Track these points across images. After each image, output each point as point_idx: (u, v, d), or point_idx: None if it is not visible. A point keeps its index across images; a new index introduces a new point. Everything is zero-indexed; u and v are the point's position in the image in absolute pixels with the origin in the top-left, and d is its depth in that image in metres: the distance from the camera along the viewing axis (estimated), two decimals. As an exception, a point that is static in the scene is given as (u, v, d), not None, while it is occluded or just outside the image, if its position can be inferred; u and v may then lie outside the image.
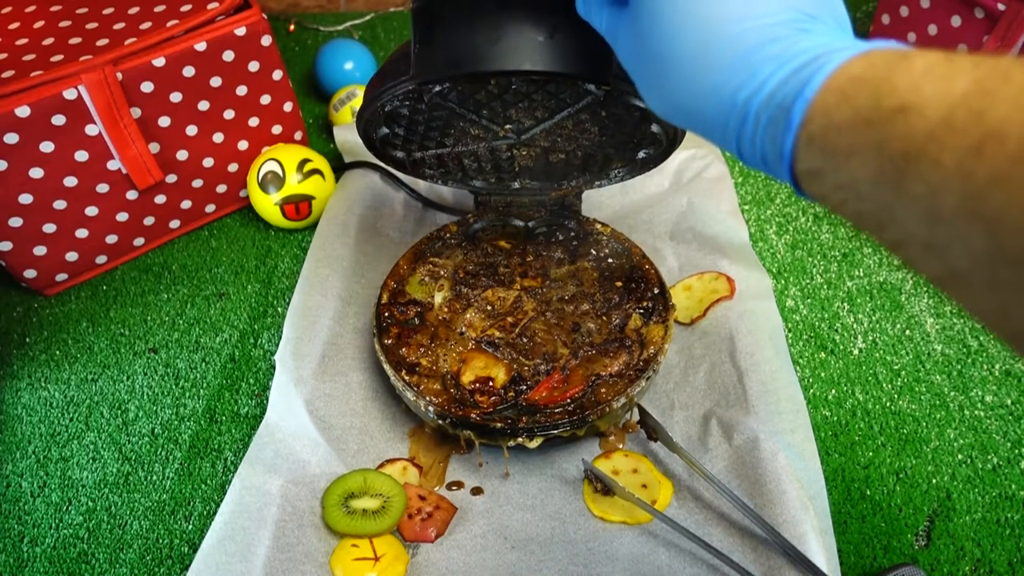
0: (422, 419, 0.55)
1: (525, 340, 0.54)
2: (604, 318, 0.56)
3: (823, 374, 0.59)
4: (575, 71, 0.39)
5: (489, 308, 0.57)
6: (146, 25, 0.61)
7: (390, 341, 0.54)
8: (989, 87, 0.20)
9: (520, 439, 0.49)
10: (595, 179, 0.59)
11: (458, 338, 0.55)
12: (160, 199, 0.67)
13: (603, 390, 0.51)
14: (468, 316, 0.56)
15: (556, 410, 0.50)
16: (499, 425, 0.49)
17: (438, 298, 0.57)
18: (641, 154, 0.54)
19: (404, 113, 0.50)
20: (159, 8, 0.63)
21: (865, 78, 0.23)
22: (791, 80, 0.25)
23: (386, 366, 0.53)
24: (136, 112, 0.61)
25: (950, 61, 0.21)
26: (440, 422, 0.51)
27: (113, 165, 0.62)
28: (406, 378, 0.52)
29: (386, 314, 0.56)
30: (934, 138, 0.20)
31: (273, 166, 0.67)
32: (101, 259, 0.67)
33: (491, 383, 0.52)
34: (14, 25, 0.63)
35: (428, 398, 0.51)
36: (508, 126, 0.51)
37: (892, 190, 0.22)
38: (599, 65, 0.39)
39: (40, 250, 0.63)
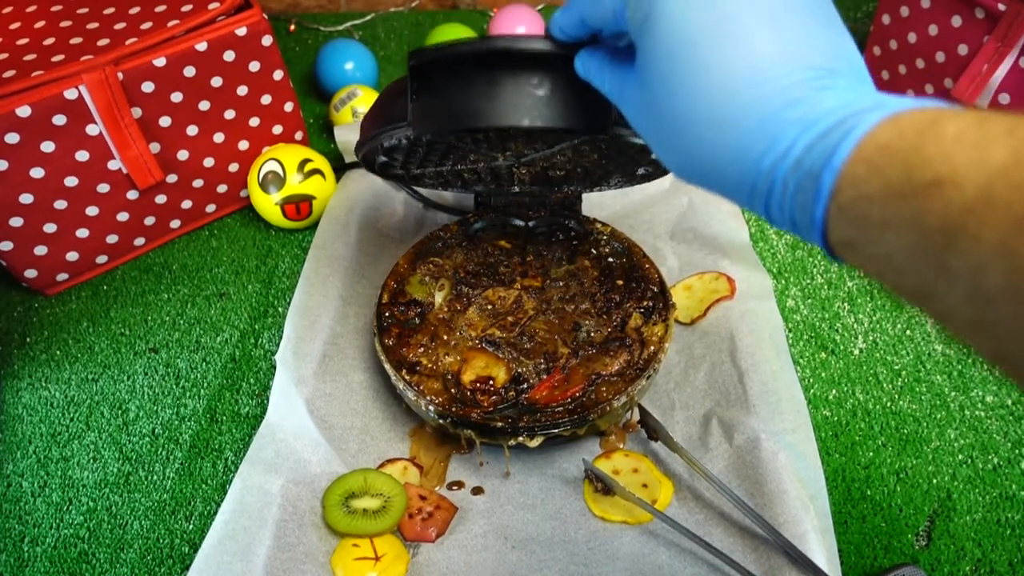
0: (423, 419, 0.55)
1: (525, 339, 0.54)
2: (604, 317, 0.56)
3: (823, 374, 0.59)
4: (574, 125, 0.39)
5: (489, 307, 0.57)
6: (147, 25, 0.61)
7: (391, 341, 0.54)
8: None
9: (521, 438, 0.49)
10: (595, 186, 0.59)
11: (459, 338, 0.55)
12: (161, 199, 0.67)
13: (603, 389, 0.51)
14: (469, 316, 0.56)
15: (557, 409, 0.50)
16: (500, 424, 0.49)
17: (438, 298, 0.57)
18: (641, 170, 0.54)
19: (403, 147, 0.50)
20: (160, 8, 0.63)
21: (894, 147, 0.22)
22: (817, 146, 0.24)
23: (387, 366, 0.53)
24: (137, 112, 0.61)
25: (982, 126, 0.20)
26: (441, 421, 0.51)
27: (114, 165, 0.62)
28: (407, 378, 0.52)
29: (387, 314, 0.56)
30: (973, 213, 0.19)
31: (274, 166, 0.68)
32: (102, 259, 0.67)
33: (492, 382, 0.52)
34: (15, 25, 0.63)
35: (429, 397, 0.51)
36: (508, 153, 0.51)
37: (931, 266, 0.21)
38: (598, 116, 0.39)
39: (41, 250, 0.63)
